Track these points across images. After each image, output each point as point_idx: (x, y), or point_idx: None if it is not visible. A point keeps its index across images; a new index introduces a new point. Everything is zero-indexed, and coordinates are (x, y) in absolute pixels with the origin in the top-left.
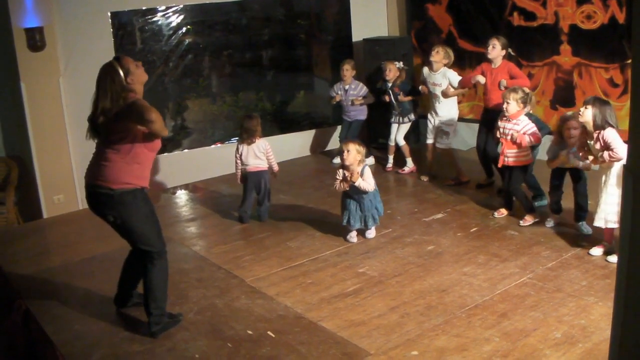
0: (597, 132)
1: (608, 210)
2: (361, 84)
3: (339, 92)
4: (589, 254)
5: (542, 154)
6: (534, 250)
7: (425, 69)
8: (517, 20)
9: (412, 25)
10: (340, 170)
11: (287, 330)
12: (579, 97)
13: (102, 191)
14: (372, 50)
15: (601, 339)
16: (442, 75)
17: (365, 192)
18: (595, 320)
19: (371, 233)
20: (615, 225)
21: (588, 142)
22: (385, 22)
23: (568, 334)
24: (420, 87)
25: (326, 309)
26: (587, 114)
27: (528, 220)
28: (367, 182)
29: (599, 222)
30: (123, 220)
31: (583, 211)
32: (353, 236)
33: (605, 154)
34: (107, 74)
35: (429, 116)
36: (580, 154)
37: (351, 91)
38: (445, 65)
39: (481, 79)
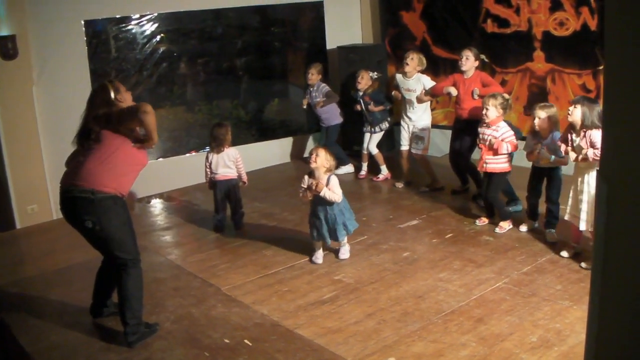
0: (584, 130)
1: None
2: (322, 84)
3: (306, 97)
4: (559, 255)
5: (516, 160)
6: (509, 255)
7: (399, 76)
8: (490, 27)
9: (387, 33)
10: (306, 177)
11: (263, 339)
12: (552, 103)
13: (83, 195)
14: (346, 57)
15: (576, 342)
16: (416, 81)
17: (331, 204)
18: (570, 323)
19: (344, 254)
20: None
21: (573, 137)
22: (359, 29)
23: (544, 338)
24: (393, 93)
25: (303, 317)
26: (577, 113)
27: (503, 227)
28: (333, 191)
29: (584, 225)
30: (102, 225)
31: (554, 218)
32: (319, 257)
33: (590, 151)
34: (98, 91)
35: (402, 122)
36: (562, 148)
37: (313, 93)
38: (418, 71)
39: (453, 91)
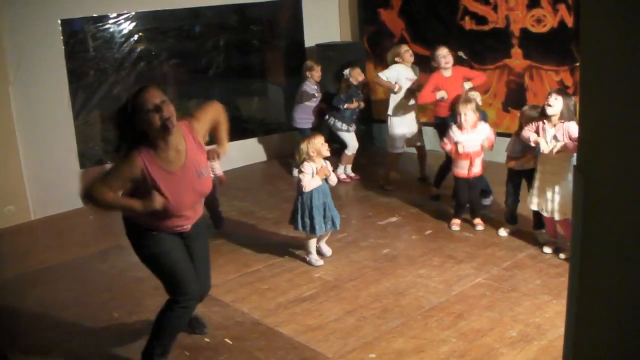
0: (562, 121)
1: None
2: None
3: (317, 94)
4: (542, 252)
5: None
6: (488, 251)
7: (400, 68)
8: (468, 24)
9: (365, 30)
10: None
11: (244, 337)
12: (530, 100)
13: None
14: (325, 55)
15: (556, 336)
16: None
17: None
18: (550, 318)
19: (328, 250)
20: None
21: (546, 128)
22: (337, 27)
23: (524, 333)
24: (395, 83)
25: (283, 315)
26: (559, 104)
27: (482, 224)
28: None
29: (558, 215)
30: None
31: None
32: (318, 257)
33: (570, 142)
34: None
35: (402, 119)
36: (532, 137)
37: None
38: (395, 62)
39: (445, 94)
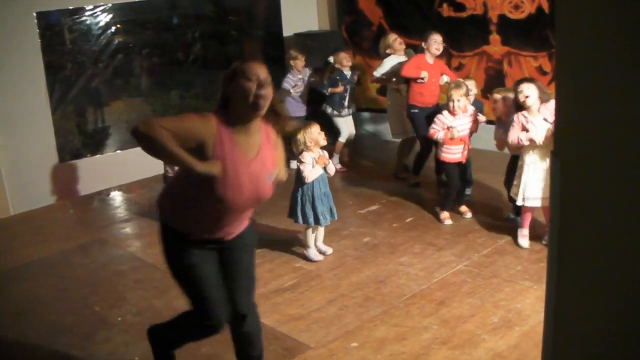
0: (543, 103)
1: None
2: (307, 69)
3: (298, 84)
4: (519, 246)
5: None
6: (469, 237)
7: (393, 57)
8: (446, 11)
9: (343, 19)
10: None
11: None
12: (509, 86)
13: None
14: (303, 45)
15: (537, 322)
16: (408, 56)
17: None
18: (530, 303)
19: (328, 249)
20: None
21: (530, 119)
22: (315, 16)
23: (505, 318)
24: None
25: (265, 305)
26: (534, 91)
27: (468, 210)
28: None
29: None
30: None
31: None
32: (317, 252)
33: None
34: None
35: (394, 108)
36: (524, 136)
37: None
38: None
39: (427, 75)
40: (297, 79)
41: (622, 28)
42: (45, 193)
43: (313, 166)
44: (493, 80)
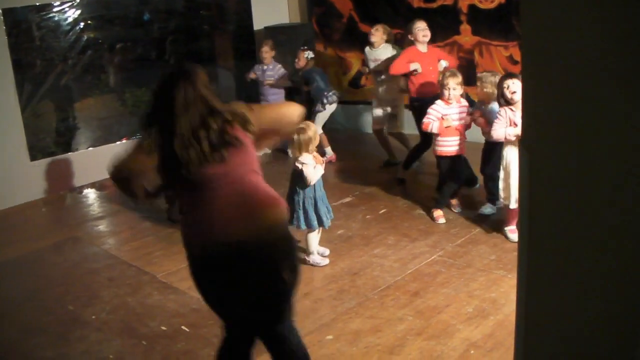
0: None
1: None
2: (279, 66)
3: (257, 72)
4: (508, 239)
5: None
6: (442, 228)
7: (367, 48)
8: (417, 2)
9: (313, 12)
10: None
11: (201, 324)
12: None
13: None
14: (274, 38)
15: (511, 310)
16: (384, 50)
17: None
18: (505, 292)
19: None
20: None
21: (517, 114)
22: (286, 9)
23: (479, 308)
24: (360, 69)
25: None
26: (519, 84)
27: (459, 203)
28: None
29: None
30: None
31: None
32: (321, 256)
33: None
34: None
35: (375, 100)
36: (513, 131)
37: (268, 72)
38: (386, 41)
39: (419, 68)
40: (259, 68)
41: (588, 15)
42: (17, 192)
43: (314, 167)
44: (464, 71)
